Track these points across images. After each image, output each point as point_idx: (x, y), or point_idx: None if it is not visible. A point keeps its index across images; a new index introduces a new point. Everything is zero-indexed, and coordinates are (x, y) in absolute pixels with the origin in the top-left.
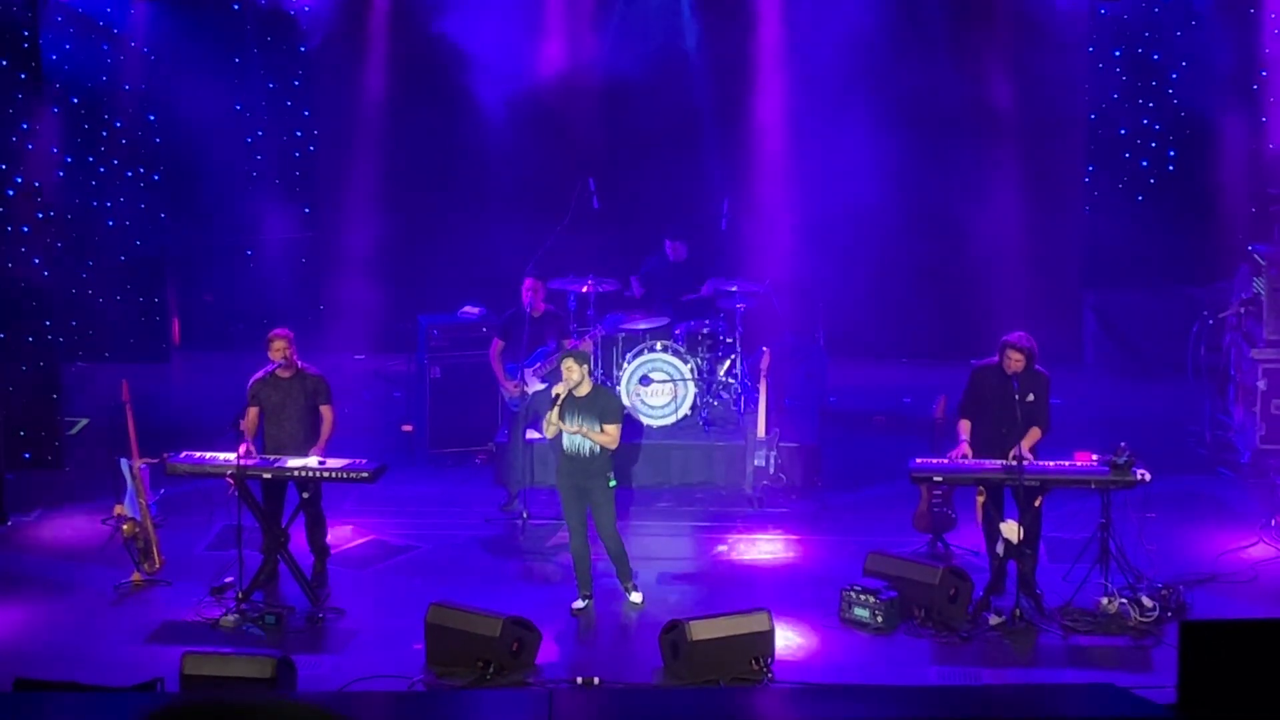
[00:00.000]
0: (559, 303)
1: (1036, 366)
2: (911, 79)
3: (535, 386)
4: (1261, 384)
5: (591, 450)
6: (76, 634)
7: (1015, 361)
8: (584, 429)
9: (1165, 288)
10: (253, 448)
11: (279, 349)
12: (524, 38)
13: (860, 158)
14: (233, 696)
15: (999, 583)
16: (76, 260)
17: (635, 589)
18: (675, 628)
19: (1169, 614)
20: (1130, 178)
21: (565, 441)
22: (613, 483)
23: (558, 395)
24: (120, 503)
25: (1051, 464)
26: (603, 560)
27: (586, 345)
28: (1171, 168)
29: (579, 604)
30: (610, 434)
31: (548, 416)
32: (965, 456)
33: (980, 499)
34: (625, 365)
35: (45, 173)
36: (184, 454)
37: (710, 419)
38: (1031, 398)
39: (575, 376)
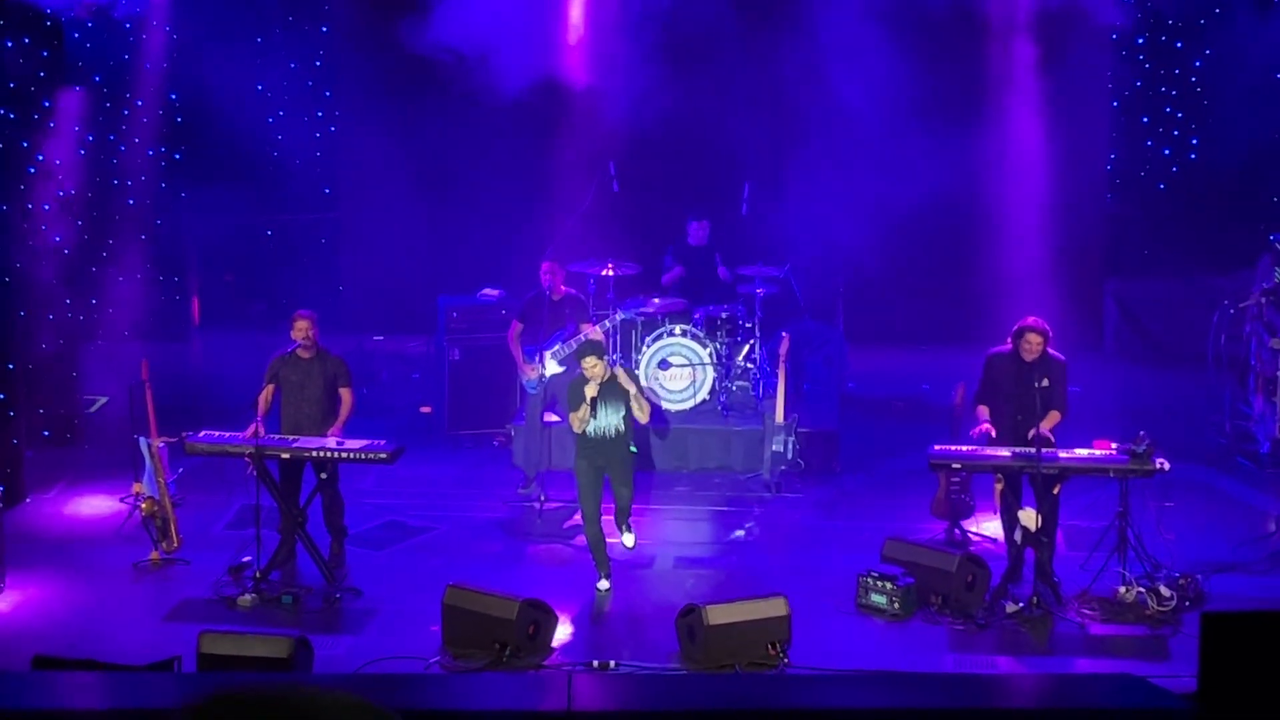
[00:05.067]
0: (579, 286)
1: (1051, 351)
2: (935, 64)
3: (553, 369)
4: None
5: (618, 430)
6: (94, 612)
7: (1035, 346)
8: (635, 395)
9: (1186, 276)
10: (261, 426)
11: (302, 329)
12: (546, 18)
13: (882, 143)
14: (266, 684)
15: (1016, 570)
16: (97, 239)
17: (630, 530)
18: (692, 612)
19: (1186, 603)
20: (1152, 166)
21: (591, 427)
22: (634, 450)
23: (592, 396)
24: (139, 481)
25: (1070, 452)
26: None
27: (598, 332)
28: (1194, 156)
29: (604, 584)
30: (646, 407)
31: (580, 414)
32: (989, 434)
33: (998, 486)
34: (644, 349)
35: (67, 151)
36: (203, 433)
37: (729, 404)
38: (1047, 382)
39: (600, 370)
